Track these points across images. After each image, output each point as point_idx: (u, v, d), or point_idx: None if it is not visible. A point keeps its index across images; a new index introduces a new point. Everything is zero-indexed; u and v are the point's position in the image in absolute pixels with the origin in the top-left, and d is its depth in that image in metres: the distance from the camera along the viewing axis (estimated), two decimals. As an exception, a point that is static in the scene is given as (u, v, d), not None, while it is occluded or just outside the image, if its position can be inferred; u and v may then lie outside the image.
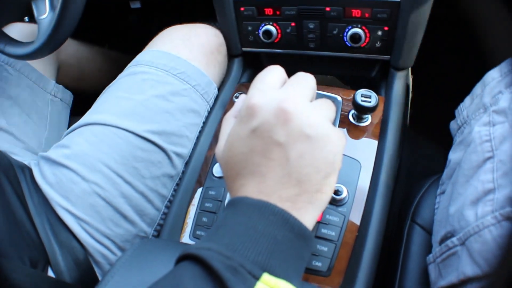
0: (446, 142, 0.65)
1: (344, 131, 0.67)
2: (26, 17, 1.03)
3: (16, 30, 0.92)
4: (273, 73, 0.43)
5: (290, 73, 0.45)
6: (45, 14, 0.70)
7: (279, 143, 0.38)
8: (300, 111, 0.39)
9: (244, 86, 0.81)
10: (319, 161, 0.39)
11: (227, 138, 0.43)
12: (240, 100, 0.49)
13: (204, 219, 0.63)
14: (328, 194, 0.41)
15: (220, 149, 0.44)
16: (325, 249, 0.57)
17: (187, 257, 0.34)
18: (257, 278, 0.32)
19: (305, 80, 0.43)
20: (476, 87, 0.60)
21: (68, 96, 0.95)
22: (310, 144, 0.38)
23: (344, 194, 0.59)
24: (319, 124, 0.39)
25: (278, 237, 0.35)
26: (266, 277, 0.32)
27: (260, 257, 0.33)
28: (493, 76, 0.56)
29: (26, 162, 0.70)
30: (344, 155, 0.63)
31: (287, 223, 0.36)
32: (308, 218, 0.38)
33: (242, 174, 0.39)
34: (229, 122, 0.46)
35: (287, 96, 0.39)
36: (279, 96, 0.39)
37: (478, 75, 0.59)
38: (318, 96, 0.69)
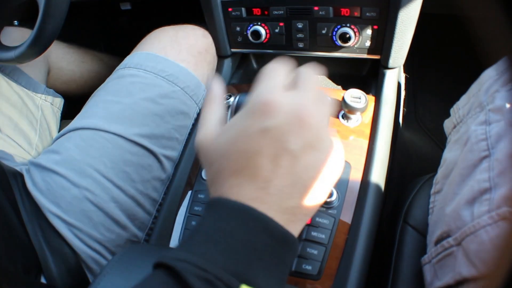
0: (440, 141, 0.65)
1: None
2: (15, 21, 1.02)
3: (6, 34, 0.91)
4: (282, 70, 0.41)
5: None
6: None
7: (291, 151, 0.35)
8: (316, 123, 0.37)
9: (234, 87, 0.80)
10: (324, 174, 0.37)
11: (226, 128, 0.38)
12: (217, 87, 0.44)
13: (193, 223, 0.63)
14: (321, 202, 0.39)
15: (208, 137, 0.39)
16: (315, 252, 0.56)
17: (162, 266, 0.33)
18: None
19: (315, 83, 0.40)
20: (472, 86, 0.59)
21: (59, 100, 0.94)
22: (318, 156, 0.37)
23: (334, 196, 0.59)
24: (327, 137, 0.38)
25: (258, 245, 0.33)
26: None
27: (238, 267, 0.32)
28: (490, 75, 0.55)
29: (17, 168, 0.70)
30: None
31: (267, 229, 0.34)
32: (298, 226, 0.37)
33: (241, 173, 0.36)
34: (215, 109, 0.42)
35: (305, 103, 0.37)
36: (297, 101, 0.37)
37: (474, 74, 0.58)
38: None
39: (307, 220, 0.39)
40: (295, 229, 0.36)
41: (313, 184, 0.37)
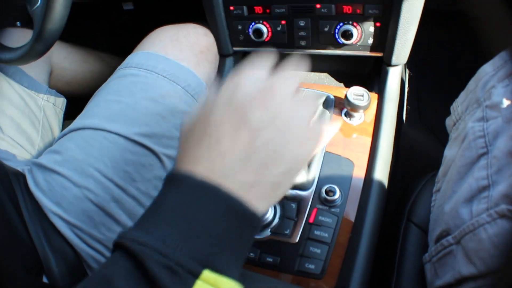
0: (444, 138, 0.64)
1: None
2: (18, 22, 1.02)
3: (8, 35, 0.91)
4: (263, 58, 0.42)
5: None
6: (37, 3, 0.67)
7: (250, 123, 0.36)
8: (280, 100, 0.38)
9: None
10: (284, 154, 0.37)
11: (204, 103, 0.40)
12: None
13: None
14: (284, 191, 0.39)
15: (190, 115, 0.40)
16: (318, 251, 0.56)
17: (122, 247, 0.31)
18: (196, 276, 0.30)
19: (292, 74, 0.42)
20: (470, 82, 0.58)
21: (61, 100, 0.94)
22: (280, 134, 0.37)
23: (337, 195, 0.58)
24: (295, 118, 0.38)
25: (223, 228, 0.32)
26: (206, 274, 0.30)
27: (201, 252, 0.31)
28: (487, 71, 0.55)
29: (19, 169, 0.69)
30: (336, 154, 0.62)
31: (233, 211, 0.33)
32: (260, 206, 0.36)
33: (201, 144, 0.36)
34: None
35: (274, 82, 0.39)
36: (265, 78, 0.39)
37: (476, 70, 0.57)
38: (310, 93, 0.68)
39: (269, 202, 0.38)
40: (259, 205, 0.35)
41: (270, 160, 0.36)
